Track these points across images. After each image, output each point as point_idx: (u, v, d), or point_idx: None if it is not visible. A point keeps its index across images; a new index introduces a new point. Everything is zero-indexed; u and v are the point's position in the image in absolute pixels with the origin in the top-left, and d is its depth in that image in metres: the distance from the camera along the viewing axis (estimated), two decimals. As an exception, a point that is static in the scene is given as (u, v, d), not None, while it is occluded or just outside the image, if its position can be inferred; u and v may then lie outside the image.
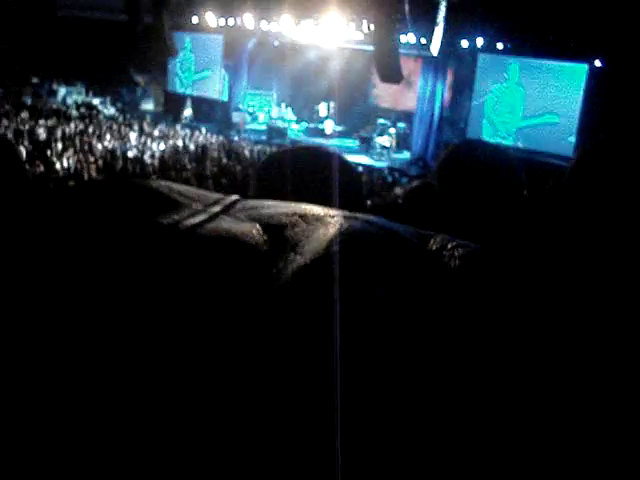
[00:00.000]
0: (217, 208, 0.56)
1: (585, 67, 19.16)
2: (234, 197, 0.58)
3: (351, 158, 22.02)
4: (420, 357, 0.45)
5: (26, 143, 17.99)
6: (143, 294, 0.47)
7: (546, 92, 20.00)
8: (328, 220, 0.55)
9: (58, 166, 16.76)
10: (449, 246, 0.53)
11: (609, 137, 1.61)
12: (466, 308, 0.47)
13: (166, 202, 0.56)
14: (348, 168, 1.84)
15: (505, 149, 2.21)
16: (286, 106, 27.05)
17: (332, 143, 23.94)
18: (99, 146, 19.49)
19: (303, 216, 0.55)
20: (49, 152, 18.03)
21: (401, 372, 0.44)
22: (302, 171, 1.53)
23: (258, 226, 0.53)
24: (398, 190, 15.24)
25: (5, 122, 21.77)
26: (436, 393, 0.44)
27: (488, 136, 20.84)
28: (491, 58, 21.12)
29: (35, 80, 28.13)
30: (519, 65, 20.61)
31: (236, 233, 0.52)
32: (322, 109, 26.74)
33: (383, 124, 24.60)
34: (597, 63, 18.80)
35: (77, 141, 19.81)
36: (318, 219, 0.55)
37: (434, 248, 0.53)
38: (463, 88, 22.23)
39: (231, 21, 25.00)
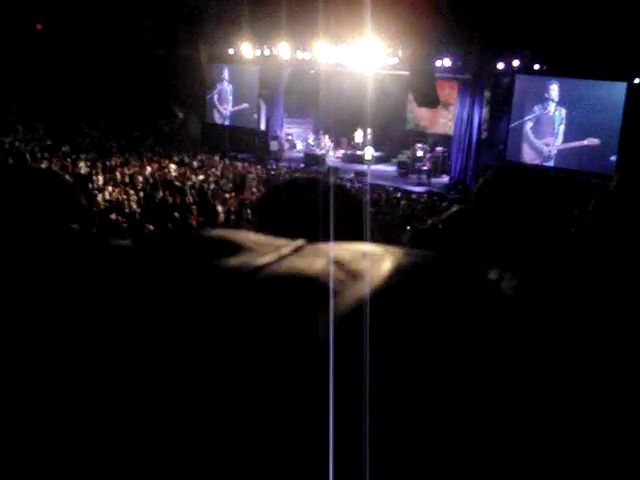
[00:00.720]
0: (286, 250, 0.59)
1: (624, 85, 19.02)
2: (300, 241, 0.61)
3: (390, 183, 22.03)
4: (479, 386, 0.45)
5: (67, 177, 18.26)
6: (219, 321, 0.50)
7: (587, 111, 19.81)
8: (388, 256, 0.57)
9: (100, 199, 17.05)
10: (505, 277, 0.54)
11: None
12: (524, 338, 0.48)
13: (242, 249, 0.59)
14: (341, 193, 1.83)
15: (545, 172, 2.19)
16: (323, 133, 27.15)
17: (371, 169, 23.99)
18: (140, 178, 19.77)
19: (365, 253, 0.59)
20: (90, 185, 18.35)
21: (460, 403, 0.44)
22: (293, 203, 1.54)
23: (325, 260, 0.56)
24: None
25: (47, 155, 22.25)
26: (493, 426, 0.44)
27: (529, 159, 20.70)
28: (529, 79, 21.00)
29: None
30: (559, 85, 20.47)
31: (304, 267, 0.55)
32: (358, 135, 26.81)
33: (421, 148, 24.59)
34: (636, 80, 18.68)
35: (118, 174, 20.13)
36: (379, 255, 0.58)
37: (491, 280, 0.54)
38: (500, 110, 22.11)
39: (267, 51, 25.31)
